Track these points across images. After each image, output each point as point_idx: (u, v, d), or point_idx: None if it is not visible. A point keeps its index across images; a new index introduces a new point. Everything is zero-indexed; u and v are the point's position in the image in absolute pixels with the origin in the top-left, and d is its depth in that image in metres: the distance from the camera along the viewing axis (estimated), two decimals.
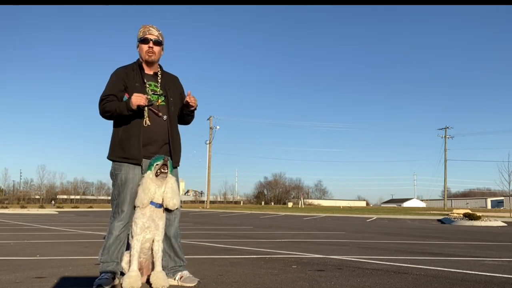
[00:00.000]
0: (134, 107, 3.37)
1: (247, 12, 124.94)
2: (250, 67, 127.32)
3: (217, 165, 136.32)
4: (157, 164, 3.32)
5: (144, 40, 3.54)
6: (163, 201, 3.41)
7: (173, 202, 3.42)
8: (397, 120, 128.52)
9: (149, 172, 3.36)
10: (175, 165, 3.65)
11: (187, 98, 3.59)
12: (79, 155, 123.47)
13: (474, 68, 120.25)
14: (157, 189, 3.37)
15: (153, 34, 3.55)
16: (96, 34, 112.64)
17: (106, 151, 3.62)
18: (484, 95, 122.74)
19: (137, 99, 3.36)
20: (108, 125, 3.64)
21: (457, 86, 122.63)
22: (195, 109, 3.71)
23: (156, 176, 3.33)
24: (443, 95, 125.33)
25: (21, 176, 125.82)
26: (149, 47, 3.53)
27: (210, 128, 56.09)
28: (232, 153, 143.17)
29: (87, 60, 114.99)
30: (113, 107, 3.44)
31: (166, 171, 3.33)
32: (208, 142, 56.19)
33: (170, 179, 3.44)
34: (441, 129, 59.65)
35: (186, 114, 3.74)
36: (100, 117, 3.55)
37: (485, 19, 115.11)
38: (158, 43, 3.57)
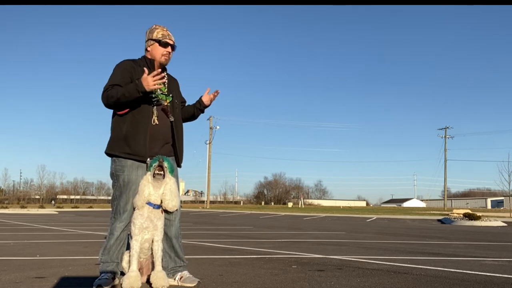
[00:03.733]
0: (148, 89, 3.31)
1: (247, 12, 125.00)
2: (250, 67, 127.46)
3: (217, 165, 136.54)
4: (154, 166, 3.33)
5: (164, 43, 3.56)
6: (161, 202, 3.40)
7: (172, 204, 3.41)
8: (397, 120, 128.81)
9: (148, 173, 3.38)
10: (179, 165, 3.70)
11: (206, 96, 3.86)
12: (79, 155, 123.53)
13: (474, 68, 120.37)
14: (154, 191, 3.36)
15: (172, 39, 3.61)
16: (96, 35, 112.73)
17: None
18: (484, 95, 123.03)
19: (151, 82, 3.28)
20: (108, 125, 3.62)
21: (457, 86, 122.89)
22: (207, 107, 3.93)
23: (154, 177, 3.34)
24: (443, 95, 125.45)
25: (21, 176, 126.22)
26: (167, 51, 3.59)
27: (210, 128, 56.10)
28: (232, 153, 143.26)
29: (87, 61, 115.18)
30: (120, 91, 3.33)
31: (161, 173, 3.32)
32: (208, 142, 56.25)
33: (170, 180, 3.41)
34: (441, 129, 59.67)
35: (199, 109, 3.90)
36: (102, 111, 3.59)
37: (485, 20, 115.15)
38: (174, 50, 3.66)
